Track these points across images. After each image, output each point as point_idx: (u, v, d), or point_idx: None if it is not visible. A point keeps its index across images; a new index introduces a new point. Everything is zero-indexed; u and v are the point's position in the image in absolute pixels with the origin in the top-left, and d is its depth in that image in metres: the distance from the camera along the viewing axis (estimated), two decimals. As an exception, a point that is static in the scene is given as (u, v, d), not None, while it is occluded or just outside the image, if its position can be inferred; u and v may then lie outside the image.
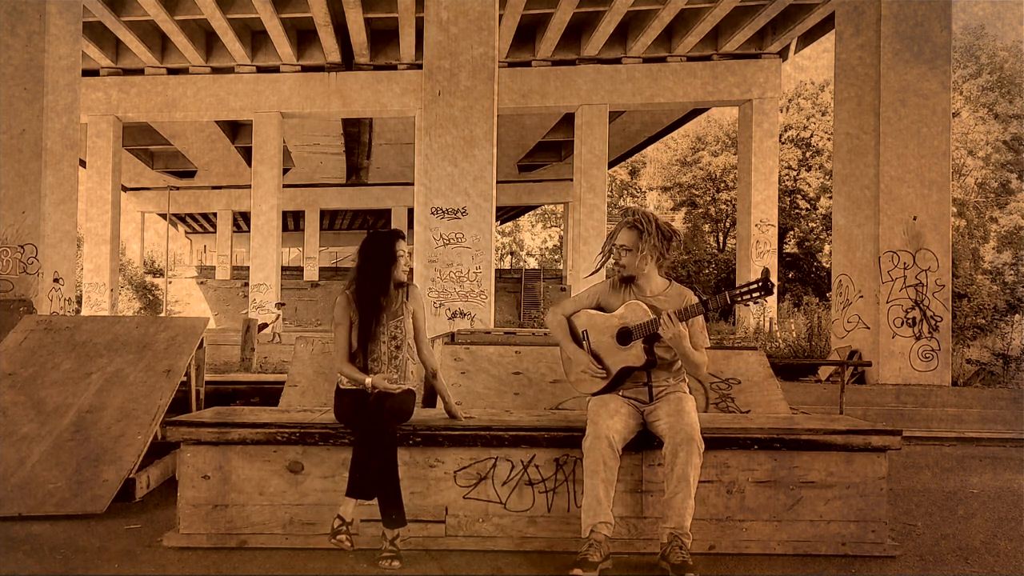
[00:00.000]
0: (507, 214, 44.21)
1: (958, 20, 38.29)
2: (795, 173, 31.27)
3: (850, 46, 9.50)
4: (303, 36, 19.04)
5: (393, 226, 32.47)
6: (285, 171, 23.83)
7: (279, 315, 18.93)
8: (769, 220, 18.85)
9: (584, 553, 2.84)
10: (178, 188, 31.45)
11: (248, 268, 24.08)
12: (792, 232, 31.52)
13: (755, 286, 2.91)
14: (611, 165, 28.81)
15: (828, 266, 27.59)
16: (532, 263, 54.86)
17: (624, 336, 3.16)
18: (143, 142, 26.01)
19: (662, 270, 3.27)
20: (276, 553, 3.09)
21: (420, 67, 17.56)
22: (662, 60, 19.12)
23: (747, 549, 3.15)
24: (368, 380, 3.19)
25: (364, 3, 16.50)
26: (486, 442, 3.19)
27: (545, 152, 28.56)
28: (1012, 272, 25.15)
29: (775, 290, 18.34)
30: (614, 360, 3.19)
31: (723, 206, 33.58)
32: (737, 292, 2.93)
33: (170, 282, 29.87)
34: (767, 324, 16.14)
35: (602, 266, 3.35)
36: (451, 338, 5.24)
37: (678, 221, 33.29)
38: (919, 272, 8.79)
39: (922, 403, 7.66)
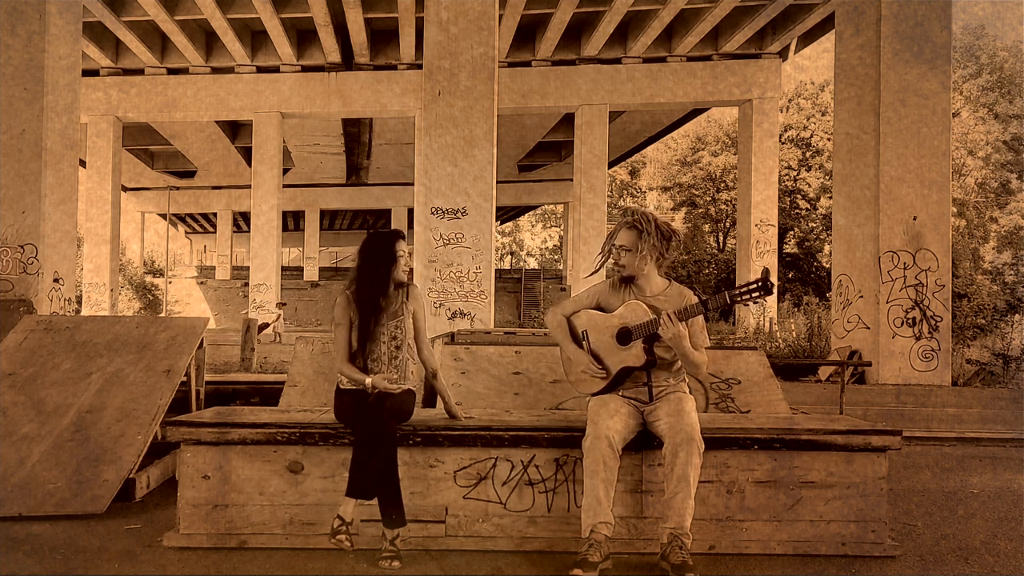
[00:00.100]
0: (507, 214, 44.23)
1: (958, 20, 38.31)
2: (795, 173, 31.27)
3: (850, 46, 9.50)
4: (303, 36, 19.04)
5: (393, 226, 32.47)
6: (285, 171, 23.84)
7: (280, 315, 18.96)
8: (769, 220, 18.86)
9: (584, 553, 2.84)
10: (178, 188, 31.47)
11: (248, 268, 24.10)
12: (792, 232, 31.53)
13: (755, 286, 2.90)
14: (611, 165, 28.81)
15: (828, 266, 27.59)
16: (532, 263, 54.90)
17: (624, 336, 3.16)
18: (143, 142, 26.03)
19: (662, 270, 3.27)
20: (276, 553, 3.09)
21: (420, 67, 17.57)
22: (662, 60, 19.13)
23: (747, 549, 3.15)
24: (368, 380, 3.19)
25: (364, 3, 16.50)
26: (486, 442, 3.19)
27: (545, 152, 28.57)
28: (1012, 272, 25.15)
29: (775, 290, 18.34)
30: (614, 360, 3.19)
31: (723, 206, 33.59)
32: (737, 292, 2.93)
33: (170, 282, 29.88)
34: (767, 324, 16.13)
35: (602, 266, 3.35)
36: (451, 338, 5.24)
37: (678, 221, 33.28)
38: (919, 272, 8.78)
39: (922, 403, 7.66)
